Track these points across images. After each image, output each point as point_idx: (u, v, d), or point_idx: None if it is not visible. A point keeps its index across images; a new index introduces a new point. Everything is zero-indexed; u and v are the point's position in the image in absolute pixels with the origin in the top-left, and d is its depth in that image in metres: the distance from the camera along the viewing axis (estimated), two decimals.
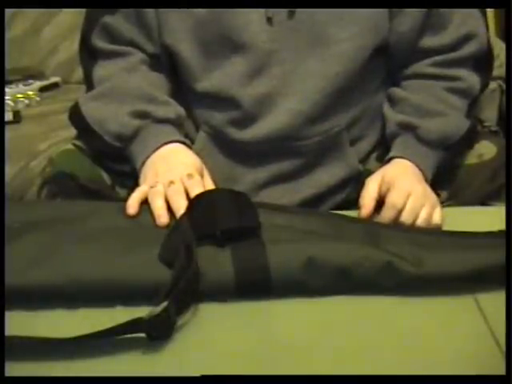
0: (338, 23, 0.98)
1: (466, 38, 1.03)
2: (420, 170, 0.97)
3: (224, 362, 0.67)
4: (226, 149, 1.05)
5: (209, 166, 0.99)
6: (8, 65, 1.80)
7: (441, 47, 1.03)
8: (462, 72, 1.04)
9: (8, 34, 1.93)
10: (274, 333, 0.72)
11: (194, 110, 1.07)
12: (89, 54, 1.06)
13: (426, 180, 0.97)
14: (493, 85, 1.37)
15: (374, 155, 1.10)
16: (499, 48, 1.37)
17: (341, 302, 0.76)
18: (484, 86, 1.07)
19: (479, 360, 0.67)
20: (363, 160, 1.08)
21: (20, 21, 1.98)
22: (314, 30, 0.99)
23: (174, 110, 1.01)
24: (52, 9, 1.95)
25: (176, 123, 1.01)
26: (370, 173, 1.00)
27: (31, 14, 1.98)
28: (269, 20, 0.98)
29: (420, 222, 0.89)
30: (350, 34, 0.99)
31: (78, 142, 1.04)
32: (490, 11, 1.66)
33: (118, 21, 1.03)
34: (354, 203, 0.96)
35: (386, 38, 1.02)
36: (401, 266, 0.76)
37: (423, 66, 1.04)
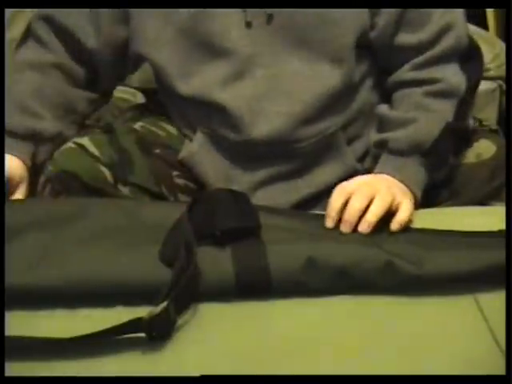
0: (319, 24, 0.98)
1: (444, 31, 1.00)
2: (400, 181, 0.93)
3: (224, 362, 0.67)
4: (222, 149, 1.04)
5: (206, 166, 1.00)
6: None
7: (420, 44, 1.01)
8: (444, 72, 1.01)
9: (8, 34, 1.93)
10: (273, 333, 0.72)
11: (188, 112, 1.06)
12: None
13: (411, 189, 0.93)
14: (493, 85, 1.37)
15: (370, 154, 1.09)
16: (499, 48, 1.37)
17: (341, 301, 0.76)
18: (474, 82, 1.03)
19: (479, 360, 0.67)
20: (361, 158, 1.07)
21: (20, 21, 1.98)
22: (294, 33, 0.98)
23: (24, 123, 1.00)
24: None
25: (21, 136, 1.00)
26: (367, 172, 1.00)
27: (31, 14, 1.98)
28: (248, 24, 0.98)
29: (374, 209, 0.85)
30: (332, 35, 0.98)
31: (79, 141, 1.04)
32: (489, 11, 1.67)
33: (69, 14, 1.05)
34: None
35: (368, 35, 1.01)
36: (401, 266, 0.76)
37: (403, 73, 1.03)
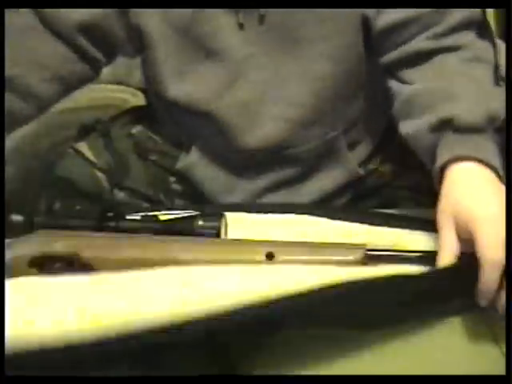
0: (312, 23, 0.94)
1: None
2: (485, 165, 0.74)
3: None
4: (221, 159, 1.03)
5: (205, 178, 1.00)
6: None
7: (423, 14, 0.87)
8: (469, 38, 0.88)
9: None
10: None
11: (181, 120, 1.04)
12: None
13: (497, 172, 0.75)
14: None
15: (378, 158, 1.08)
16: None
17: None
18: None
19: (479, 360, 0.67)
20: (364, 162, 1.06)
21: None
22: (288, 32, 0.94)
23: None
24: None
25: None
26: (377, 172, 1.02)
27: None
28: (240, 26, 0.94)
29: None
30: (326, 33, 0.94)
31: (76, 146, 1.04)
32: (489, 11, 1.66)
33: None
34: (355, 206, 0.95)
35: (370, 29, 0.94)
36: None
37: (419, 42, 0.88)
